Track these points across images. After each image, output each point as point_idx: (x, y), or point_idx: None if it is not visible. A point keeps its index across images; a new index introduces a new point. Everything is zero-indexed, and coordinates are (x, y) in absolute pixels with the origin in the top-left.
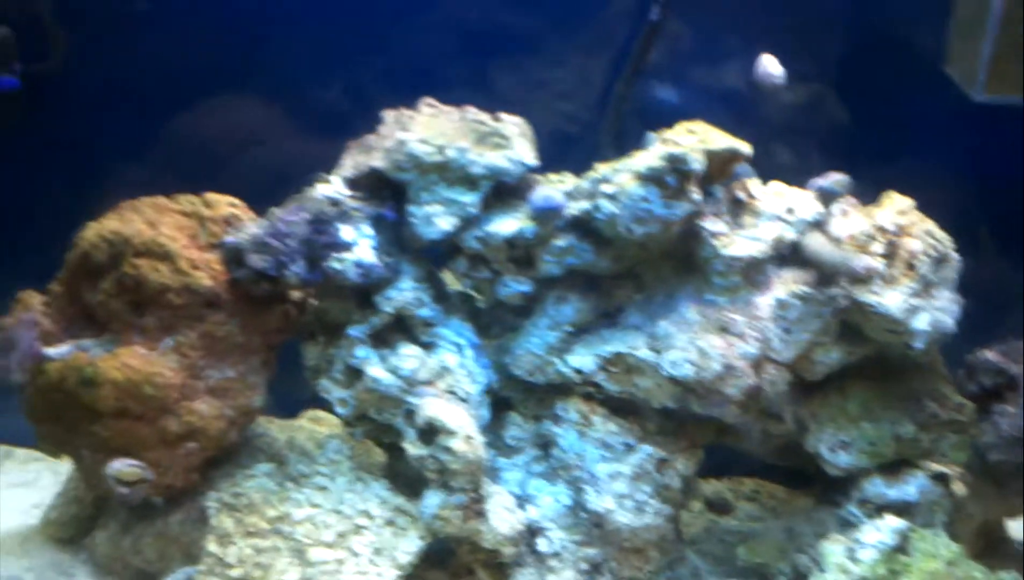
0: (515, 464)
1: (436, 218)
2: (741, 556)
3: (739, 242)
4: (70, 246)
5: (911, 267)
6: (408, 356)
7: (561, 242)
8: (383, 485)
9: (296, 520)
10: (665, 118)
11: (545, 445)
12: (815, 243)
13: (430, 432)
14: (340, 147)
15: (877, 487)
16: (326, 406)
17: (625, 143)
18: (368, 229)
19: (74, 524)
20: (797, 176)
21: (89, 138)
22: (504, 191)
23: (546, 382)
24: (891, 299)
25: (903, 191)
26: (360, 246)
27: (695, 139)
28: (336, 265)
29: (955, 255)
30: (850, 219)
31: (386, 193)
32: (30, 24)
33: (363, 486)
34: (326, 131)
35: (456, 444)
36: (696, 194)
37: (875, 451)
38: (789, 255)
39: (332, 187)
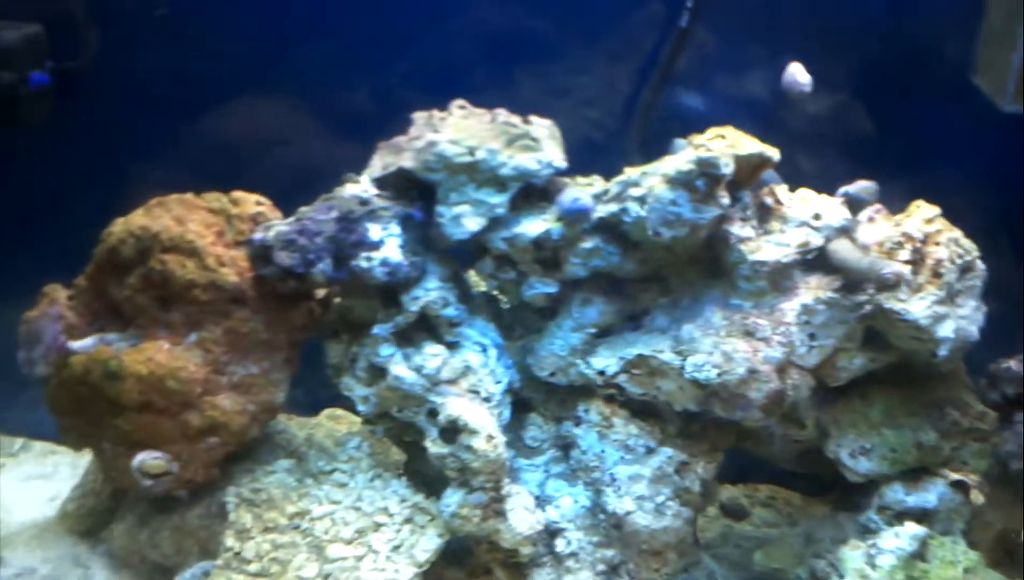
0: (535, 465)
1: (464, 218)
2: (757, 561)
3: (766, 247)
4: (97, 241)
5: (937, 275)
6: (432, 355)
7: (588, 244)
8: (402, 483)
9: (315, 516)
10: (691, 125)
11: (565, 446)
12: (842, 249)
13: (452, 431)
14: (365, 149)
15: (897, 494)
16: (345, 404)
17: (652, 150)
18: (396, 228)
19: (91, 517)
20: (822, 184)
21: (118, 135)
22: (532, 193)
23: (568, 383)
24: (917, 306)
25: (930, 201)
26: (387, 245)
27: (724, 144)
28: (363, 263)
29: (981, 264)
30: (877, 226)
31: (414, 193)
32: (62, 22)
33: (382, 483)
34: (352, 133)
35: (478, 443)
36: (724, 198)
37: (896, 458)
38: (816, 261)
39: (361, 186)
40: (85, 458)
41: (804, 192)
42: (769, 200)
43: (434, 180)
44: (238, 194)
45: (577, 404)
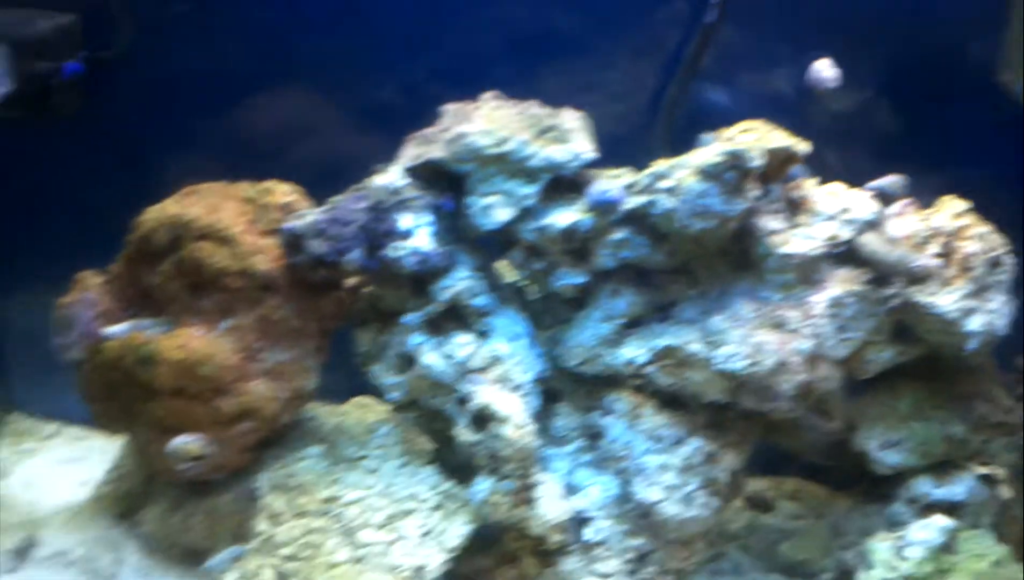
0: (562, 454)
1: (494, 209)
2: (784, 553)
3: (795, 240)
4: (129, 229)
5: (966, 269)
6: (462, 344)
7: (617, 235)
8: (432, 470)
9: (346, 502)
10: (717, 121)
11: (593, 436)
12: (872, 242)
13: (482, 419)
14: (391, 141)
15: (925, 486)
16: (372, 392)
17: (678, 145)
18: (426, 218)
19: (124, 501)
20: (848, 181)
21: (150, 124)
22: (562, 184)
23: (596, 374)
24: (946, 300)
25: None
26: (418, 235)
27: (754, 137)
28: (394, 253)
29: (1009, 258)
30: (906, 220)
31: (444, 184)
32: (96, 12)
33: (412, 470)
34: (379, 126)
35: (508, 431)
36: (754, 191)
37: (925, 451)
38: (844, 254)
39: (391, 177)
40: (116, 443)
41: (833, 186)
42: (798, 194)
43: (464, 171)
44: (269, 183)
45: (605, 394)
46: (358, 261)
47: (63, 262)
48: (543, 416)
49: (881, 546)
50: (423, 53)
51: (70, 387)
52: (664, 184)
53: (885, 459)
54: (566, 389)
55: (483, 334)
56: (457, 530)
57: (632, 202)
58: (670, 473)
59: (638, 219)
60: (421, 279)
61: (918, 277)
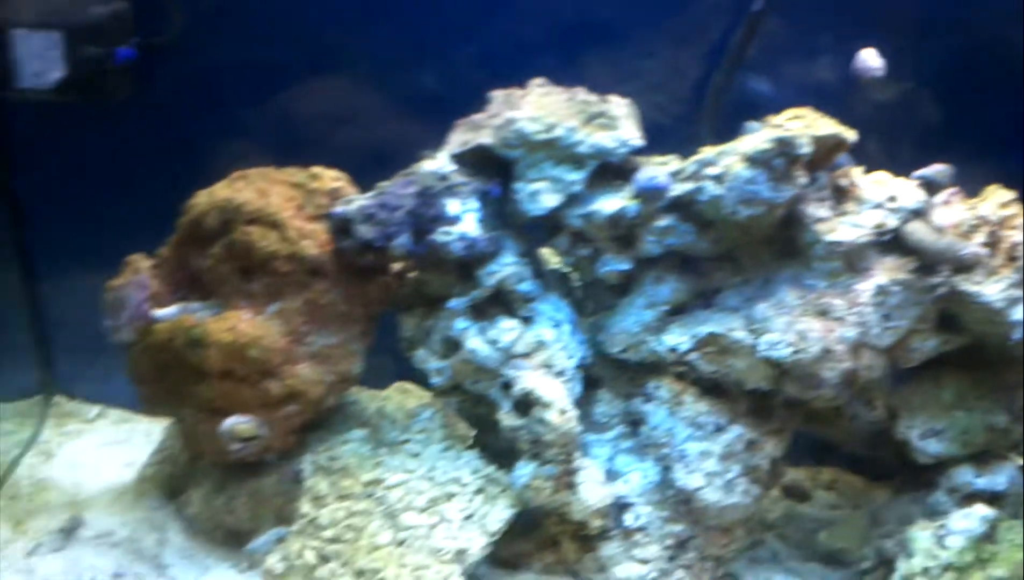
0: (603, 440)
1: (541, 195)
2: (822, 541)
3: (841, 228)
4: (176, 213)
5: (1012, 258)
6: (507, 329)
7: (663, 222)
8: (474, 454)
9: (389, 485)
10: (762, 109)
11: (634, 422)
12: (918, 230)
13: (525, 404)
14: (434, 129)
15: (966, 476)
16: (412, 378)
17: (722, 133)
18: (474, 204)
19: (168, 482)
20: (890, 171)
21: (200, 110)
22: (609, 170)
23: (639, 360)
24: (991, 289)
25: None
26: (465, 220)
27: (802, 124)
28: (441, 238)
29: None
30: (953, 209)
31: (492, 170)
32: None
33: (454, 455)
34: (423, 113)
35: (551, 416)
36: (802, 178)
37: (966, 440)
38: (891, 242)
39: (439, 163)
40: (159, 425)
41: (879, 174)
42: (844, 182)
43: (512, 157)
44: (316, 169)
45: (647, 381)
46: (405, 246)
47: (110, 245)
48: (584, 402)
49: (922, 535)
50: (466, 41)
51: (113, 370)
52: (711, 171)
53: (927, 448)
54: (607, 375)
55: (527, 320)
56: (499, 514)
57: (678, 189)
58: (711, 460)
59: (684, 206)
60: (467, 264)
61: (966, 265)
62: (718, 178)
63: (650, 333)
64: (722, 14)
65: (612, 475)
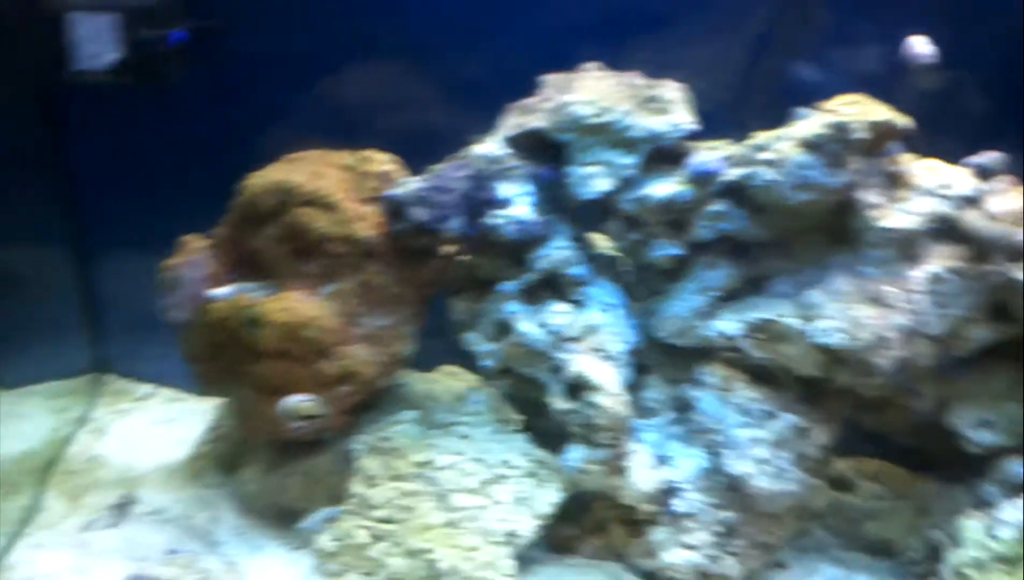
0: (652, 425)
1: (594, 179)
2: (869, 531)
3: (895, 215)
4: (227, 194)
5: None
6: (558, 313)
7: (716, 207)
8: (524, 437)
9: (440, 466)
10: (805, 97)
11: (683, 408)
12: (972, 218)
13: (576, 387)
14: (481, 113)
15: (1017, 467)
16: (458, 361)
17: (770, 119)
18: (526, 188)
19: (221, 461)
20: (941, 159)
21: (250, 93)
22: (661, 155)
23: (689, 346)
24: None
25: None
26: (518, 204)
27: (858, 110)
28: (494, 221)
29: None
30: (1007, 197)
31: (544, 154)
32: None
33: (504, 437)
34: (470, 98)
35: (602, 400)
36: (856, 164)
37: (1017, 431)
38: (944, 230)
39: (492, 146)
40: (209, 404)
41: (932, 162)
42: (897, 169)
43: (565, 140)
44: (367, 152)
45: (697, 367)
46: (458, 229)
47: (161, 226)
48: (633, 388)
49: (972, 525)
50: (512, 27)
51: (164, 350)
52: (765, 156)
53: (976, 438)
54: (656, 361)
55: (579, 304)
56: (549, 497)
57: (731, 174)
58: (761, 447)
59: (737, 191)
60: (519, 248)
61: (1020, 253)
62: (772, 163)
63: (701, 319)
64: (767, 1)
65: (661, 460)
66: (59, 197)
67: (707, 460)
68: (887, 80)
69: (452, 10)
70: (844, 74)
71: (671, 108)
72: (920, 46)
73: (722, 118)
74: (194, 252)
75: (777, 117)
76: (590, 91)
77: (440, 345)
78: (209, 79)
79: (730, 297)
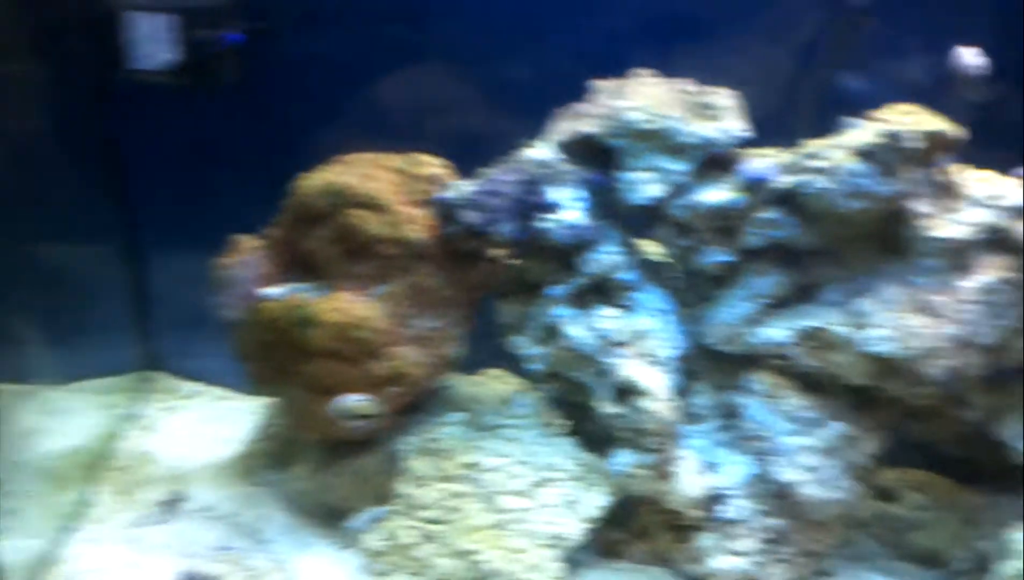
0: (699, 431)
1: (645, 185)
2: (915, 541)
3: (946, 225)
4: (278, 195)
5: None
6: (606, 317)
7: (767, 215)
8: (570, 441)
9: (486, 468)
10: (853, 107)
11: (731, 415)
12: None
13: (625, 392)
14: (527, 119)
15: None
16: (504, 365)
17: (820, 129)
18: (577, 192)
19: (269, 459)
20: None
21: (301, 94)
22: (713, 161)
23: (737, 353)
24: None
25: None
26: (568, 208)
27: (912, 120)
28: (545, 225)
29: None
30: None
31: (595, 159)
32: None
33: (551, 441)
34: (516, 104)
35: (650, 405)
36: (909, 173)
37: None
38: (995, 240)
39: (543, 151)
40: (256, 403)
41: (983, 173)
42: (948, 179)
43: (617, 146)
44: (417, 155)
45: (745, 374)
46: (509, 233)
47: (212, 225)
48: (681, 394)
49: (1020, 537)
50: (559, 33)
51: (213, 348)
52: (817, 164)
53: None
54: (704, 367)
55: (627, 309)
56: (595, 501)
57: (783, 182)
58: (810, 455)
59: (788, 199)
60: (568, 252)
61: None
62: (825, 171)
63: (749, 326)
64: (815, 10)
65: (709, 466)
66: (112, 195)
67: (755, 467)
68: (935, 91)
69: (503, 15)
70: (892, 84)
71: (723, 115)
72: (969, 57)
73: (771, 127)
74: (247, 252)
75: (825, 126)
76: (643, 97)
77: (485, 348)
78: (262, 81)
79: (779, 305)
